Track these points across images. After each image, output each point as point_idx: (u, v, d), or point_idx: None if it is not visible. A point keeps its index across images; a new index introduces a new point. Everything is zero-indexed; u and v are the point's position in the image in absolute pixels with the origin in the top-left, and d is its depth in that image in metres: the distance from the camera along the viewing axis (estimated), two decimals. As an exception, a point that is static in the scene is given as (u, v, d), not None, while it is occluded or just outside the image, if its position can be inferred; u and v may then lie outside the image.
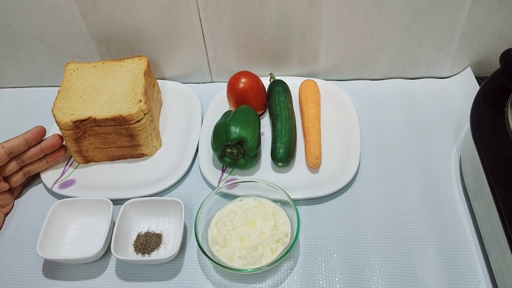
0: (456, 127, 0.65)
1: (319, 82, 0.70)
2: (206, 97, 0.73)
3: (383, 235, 0.54)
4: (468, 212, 0.55)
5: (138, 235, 0.55)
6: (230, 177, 0.61)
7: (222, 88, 0.70)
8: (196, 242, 0.50)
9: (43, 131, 0.59)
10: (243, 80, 0.65)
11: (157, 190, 0.59)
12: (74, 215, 0.57)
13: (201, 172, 0.62)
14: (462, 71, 0.73)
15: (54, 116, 0.59)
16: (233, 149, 0.58)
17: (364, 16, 0.64)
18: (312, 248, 0.53)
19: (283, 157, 0.59)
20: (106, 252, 0.53)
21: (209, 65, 0.74)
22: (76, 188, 0.61)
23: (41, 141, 0.60)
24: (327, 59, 0.71)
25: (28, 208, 0.60)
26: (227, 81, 0.67)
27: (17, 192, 0.61)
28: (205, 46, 0.71)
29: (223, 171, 0.61)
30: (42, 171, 0.62)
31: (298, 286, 0.50)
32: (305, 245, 0.54)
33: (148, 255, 0.53)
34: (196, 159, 0.64)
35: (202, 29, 0.68)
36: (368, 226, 0.55)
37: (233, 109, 0.64)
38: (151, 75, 0.68)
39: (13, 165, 0.58)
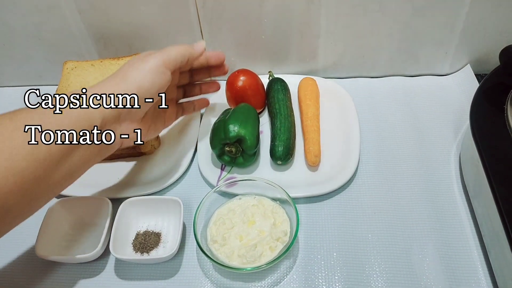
0: (456, 125, 0.65)
1: (318, 80, 0.70)
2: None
3: (383, 233, 0.54)
4: (468, 210, 0.55)
5: (137, 234, 0.55)
6: (229, 175, 0.60)
7: (220, 86, 0.69)
8: (195, 241, 0.50)
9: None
10: (241, 78, 0.65)
11: (156, 189, 0.59)
12: (72, 214, 0.56)
13: (200, 170, 0.61)
14: (461, 68, 0.72)
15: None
16: (231, 147, 0.58)
17: (364, 12, 0.64)
18: (312, 247, 0.53)
19: (282, 155, 0.59)
20: (105, 251, 0.53)
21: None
22: (74, 187, 0.59)
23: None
24: (326, 56, 0.71)
25: (27, 207, 0.60)
26: (226, 79, 0.67)
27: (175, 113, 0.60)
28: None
29: (222, 169, 0.61)
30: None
31: (298, 284, 0.50)
32: (304, 244, 0.53)
33: (147, 254, 0.53)
34: (195, 158, 0.64)
35: (200, 26, 0.67)
36: (368, 224, 0.54)
37: (232, 108, 0.64)
38: (150, 73, 0.68)
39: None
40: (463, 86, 0.70)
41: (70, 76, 0.64)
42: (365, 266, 0.51)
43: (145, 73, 0.47)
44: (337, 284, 0.50)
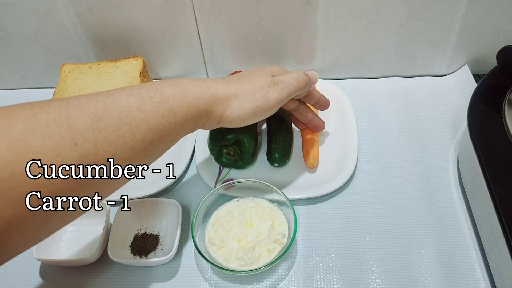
0: (454, 125, 0.65)
1: (316, 81, 0.70)
2: (202, 97, 0.72)
3: (381, 235, 0.53)
4: (466, 210, 0.55)
5: (135, 237, 0.55)
6: (227, 177, 0.60)
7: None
8: (193, 243, 0.50)
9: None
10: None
11: (153, 191, 0.59)
12: (70, 217, 0.56)
13: (198, 173, 0.61)
14: (459, 69, 0.72)
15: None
16: (229, 149, 0.58)
17: (361, 14, 0.64)
18: (310, 249, 0.53)
19: (279, 157, 0.59)
20: (103, 254, 0.53)
21: (205, 66, 0.74)
22: (73, 190, 0.60)
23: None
24: (323, 58, 0.71)
25: (25, 211, 0.60)
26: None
27: None
28: (201, 46, 0.70)
29: (220, 171, 0.61)
30: None
31: (296, 286, 0.50)
32: (302, 246, 0.53)
33: (145, 257, 0.53)
34: (192, 160, 0.64)
35: (197, 28, 0.67)
36: (366, 226, 0.54)
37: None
38: (147, 76, 0.68)
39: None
40: (461, 87, 0.70)
41: (67, 79, 0.64)
42: (364, 268, 0.51)
43: (260, 104, 0.47)
44: (335, 286, 0.50)
